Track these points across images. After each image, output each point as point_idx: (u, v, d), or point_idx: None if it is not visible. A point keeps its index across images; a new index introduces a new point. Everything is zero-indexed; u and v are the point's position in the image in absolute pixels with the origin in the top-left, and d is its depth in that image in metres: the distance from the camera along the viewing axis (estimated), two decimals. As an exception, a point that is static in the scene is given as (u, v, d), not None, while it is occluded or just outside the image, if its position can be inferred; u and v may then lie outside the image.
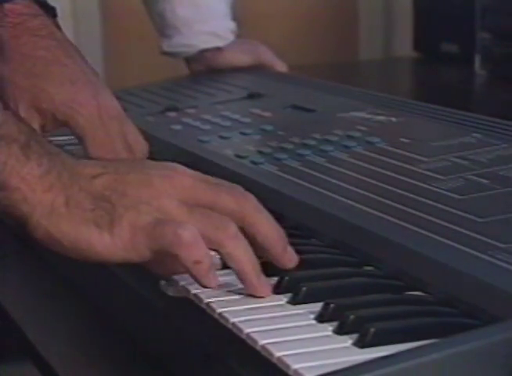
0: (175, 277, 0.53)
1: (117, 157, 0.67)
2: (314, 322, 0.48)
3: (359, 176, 0.66)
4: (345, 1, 2.02)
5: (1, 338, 0.70)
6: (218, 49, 1.09)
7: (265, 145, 0.76)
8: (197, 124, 0.86)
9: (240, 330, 0.48)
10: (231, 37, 1.10)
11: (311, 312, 0.49)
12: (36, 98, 0.68)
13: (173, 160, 0.67)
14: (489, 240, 0.52)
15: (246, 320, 0.48)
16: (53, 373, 0.57)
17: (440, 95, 1.16)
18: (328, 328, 0.47)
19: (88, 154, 0.67)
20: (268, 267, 0.53)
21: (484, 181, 0.61)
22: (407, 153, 0.69)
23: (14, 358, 0.72)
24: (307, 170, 0.69)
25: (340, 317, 0.47)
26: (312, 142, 0.74)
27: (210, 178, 0.54)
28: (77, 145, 0.70)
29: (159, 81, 1.11)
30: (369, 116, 0.80)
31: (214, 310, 0.50)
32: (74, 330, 0.63)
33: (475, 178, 0.62)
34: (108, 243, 0.50)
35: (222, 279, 0.52)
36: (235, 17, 1.13)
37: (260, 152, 0.74)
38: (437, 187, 0.61)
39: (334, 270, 0.54)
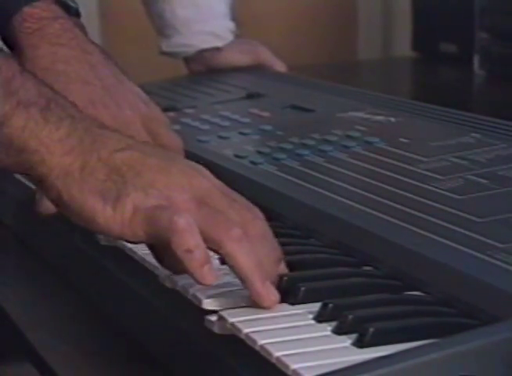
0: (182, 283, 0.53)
1: None
2: (313, 322, 0.48)
3: (358, 176, 0.66)
4: (344, 1, 2.02)
5: (0, 338, 0.70)
6: (217, 49, 1.09)
7: (264, 145, 0.76)
8: (196, 124, 0.86)
9: (239, 330, 0.48)
10: (230, 38, 1.10)
11: (310, 312, 0.49)
12: None
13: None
14: (488, 240, 0.52)
15: (245, 321, 0.48)
16: (52, 373, 0.57)
17: (439, 95, 1.16)
18: (327, 328, 0.47)
19: None
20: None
21: (484, 181, 0.61)
22: (406, 153, 0.69)
23: (13, 358, 0.72)
24: (306, 170, 0.69)
25: (339, 317, 0.47)
26: (311, 142, 0.74)
27: (229, 190, 0.53)
28: None
29: (158, 81, 1.11)
30: (368, 116, 0.80)
31: (200, 301, 0.50)
32: (73, 330, 0.63)
33: (474, 178, 0.62)
34: (108, 216, 0.50)
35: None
36: (234, 17, 1.12)
37: (259, 152, 0.74)
38: (436, 187, 0.61)
39: (333, 270, 0.54)
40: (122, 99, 0.70)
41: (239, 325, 0.48)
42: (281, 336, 0.46)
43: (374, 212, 0.59)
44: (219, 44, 1.09)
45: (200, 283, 0.49)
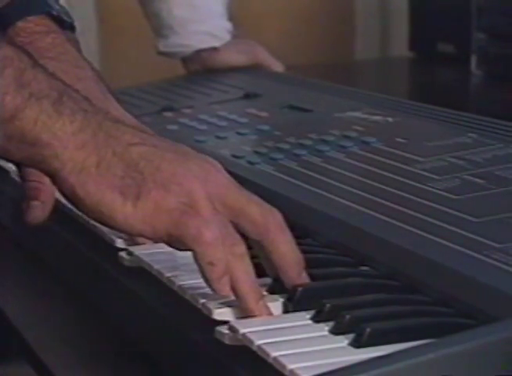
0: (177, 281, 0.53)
1: None
2: (310, 322, 0.48)
3: (355, 176, 0.66)
4: (341, 2, 2.02)
5: (-2, 338, 0.70)
6: (215, 49, 1.09)
7: (261, 145, 0.76)
8: (194, 124, 0.86)
9: (236, 330, 0.48)
10: (227, 38, 1.10)
11: (307, 313, 0.49)
12: None
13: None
14: (485, 240, 0.52)
15: (242, 321, 0.48)
16: (50, 374, 0.57)
17: (436, 95, 1.16)
18: (324, 328, 0.47)
19: None
20: (262, 268, 0.53)
21: (480, 181, 0.61)
22: (403, 153, 0.69)
23: (11, 359, 0.72)
24: (303, 170, 0.69)
25: (336, 317, 0.47)
26: (309, 142, 0.74)
27: (242, 187, 0.53)
28: None
29: (155, 81, 1.11)
30: (365, 116, 0.80)
31: (210, 311, 0.50)
32: (71, 331, 0.63)
33: (471, 178, 0.62)
34: (129, 213, 0.49)
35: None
36: (231, 17, 1.12)
37: (256, 152, 0.74)
38: (433, 187, 0.61)
39: (330, 270, 0.54)
40: (109, 104, 0.70)
41: (237, 325, 0.48)
42: (278, 336, 0.46)
43: (371, 212, 0.59)
44: (216, 44, 1.09)
45: (217, 294, 0.50)
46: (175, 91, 1.03)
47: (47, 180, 0.52)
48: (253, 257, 0.53)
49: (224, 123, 0.85)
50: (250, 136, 0.80)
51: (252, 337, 0.46)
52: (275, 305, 0.50)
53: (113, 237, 0.61)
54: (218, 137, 0.80)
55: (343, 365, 0.41)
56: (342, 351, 0.44)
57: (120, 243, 0.61)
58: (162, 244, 0.52)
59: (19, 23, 0.71)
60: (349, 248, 0.57)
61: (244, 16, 1.75)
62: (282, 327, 0.48)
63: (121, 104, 0.71)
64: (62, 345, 0.61)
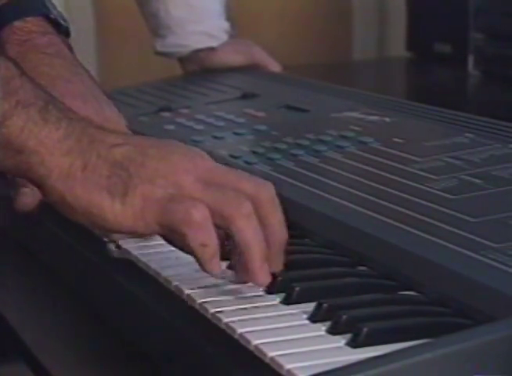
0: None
1: None
2: (307, 322, 0.48)
3: (353, 176, 0.66)
4: (339, 2, 2.02)
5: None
6: (212, 49, 1.09)
7: (258, 145, 0.76)
8: (191, 124, 0.86)
9: (233, 330, 0.48)
10: (225, 38, 1.10)
11: (304, 312, 0.49)
12: None
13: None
14: (482, 240, 0.52)
15: (239, 320, 0.49)
16: (47, 374, 0.57)
17: (433, 96, 1.16)
18: (321, 328, 0.47)
19: None
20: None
21: (477, 181, 0.61)
22: (400, 153, 0.69)
23: (8, 359, 0.72)
24: (300, 170, 0.69)
25: (333, 317, 0.47)
26: (306, 142, 0.74)
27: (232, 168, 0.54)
28: None
29: (152, 81, 1.11)
30: (362, 116, 0.80)
31: (207, 310, 0.50)
32: (68, 330, 0.63)
33: (468, 178, 0.62)
34: (118, 211, 0.50)
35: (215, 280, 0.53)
36: (229, 17, 1.12)
37: (253, 152, 0.74)
38: (430, 187, 0.61)
39: (327, 270, 0.54)
40: (102, 98, 0.70)
41: (234, 325, 0.48)
42: (275, 336, 0.46)
43: (368, 212, 0.59)
44: (214, 44, 1.09)
45: (209, 273, 0.50)
46: (173, 91, 1.03)
47: None
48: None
49: (221, 123, 0.85)
50: (247, 136, 0.80)
51: (249, 337, 0.46)
52: (272, 305, 0.50)
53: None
54: (216, 137, 0.80)
55: (340, 365, 0.41)
56: (339, 351, 0.44)
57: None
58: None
59: (17, 23, 0.71)
60: (346, 248, 0.57)
61: (242, 16, 1.75)
62: (279, 327, 0.48)
63: (115, 104, 0.72)
64: (59, 346, 0.61)
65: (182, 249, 0.52)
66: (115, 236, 0.58)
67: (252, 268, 0.50)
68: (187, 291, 0.53)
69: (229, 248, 0.51)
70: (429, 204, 0.58)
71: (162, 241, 0.54)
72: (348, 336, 0.45)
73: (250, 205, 0.50)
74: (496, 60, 1.27)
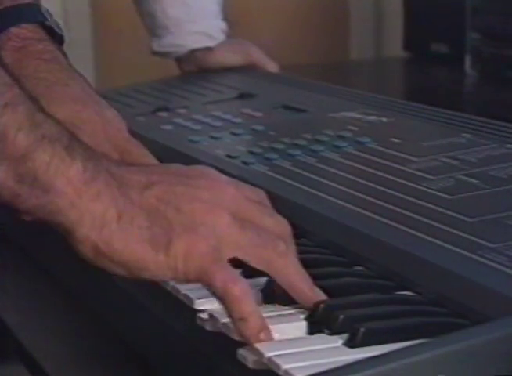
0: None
1: None
2: (304, 322, 0.48)
3: (350, 176, 0.66)
4: (336, 2, 2.02)
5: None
6: (209, 49, 1.09)
7: (255, 145, 0.76)
8: (188, 124, 0.86)
9: (230, 330, 0.48)
10: (222, 37, 1.10)
11: (302, 313, 0.49)
12: None
13: (161, 160, 0.67)
14: (479, 240, 0.52)
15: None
16: (43, 374, 0.57)
17: (430, 95, 1.16)
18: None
19: None
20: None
21: (474, 181, 0.61)
22: (397, 153, 0.69)
23: (5, 359, 0.72)
24: (297, 170, 0.69)
25: (331, 317, 0.47)
26: (303, 143, 0.74)
27: (244, 186, 0.53)
28: None
29: (150, 81, 1.11)
30: (359, 116, 0.80)
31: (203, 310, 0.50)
32: (65, 331, 0.63)
33: (465, 178, 0.62)
34: (162, 262, 0.48)
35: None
36: (226, 17, 1.12)
37: (251, 152, 0.74)
38: (427, 187, 0.61)
39: (324, 270, 0.54)
40: (101, 101, 0.71)
41: (231, 325, 0.48)
42: (272, 336, 0.46)
43: (365, 212, 0.59)
44: (211, 44, 1.09)
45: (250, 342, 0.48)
46: (170, 91, 1.03)
47: None
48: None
49: (218, 123, 0.85)
50: (244, 136, 0.80)
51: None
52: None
53: None
54: (213, 137, 0.80)
55: (337, 365, 0.41)
56: (336, 351, 0.44)
57: None
58: None
59: (12, 29, 0.71)
60: (343, 248, 0.57)
61: (239, 15, 1.75)
62: (276, 328, 0.48)
63: (113, 107, 0.72)
64: (56, 346, 0.61)
65: None
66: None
67: (304, 300, 0.49)
68: (184, 291, 0.53)
69: None
70: (426, 203, 0.59)
71: None
72: (345, 336, 0.45)
73: (283, 243, 0.50)
74: (493, 60, 1.27)
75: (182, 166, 0.53)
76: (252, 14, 1.94)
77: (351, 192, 0.63)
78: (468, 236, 0.53)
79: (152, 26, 1.09)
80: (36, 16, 0.73)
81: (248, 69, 1.08)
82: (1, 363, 0.74)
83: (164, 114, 0.92)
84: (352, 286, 0.52)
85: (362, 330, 0.45)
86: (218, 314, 0.48)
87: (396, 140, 0.72)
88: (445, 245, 0.52)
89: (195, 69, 1.10)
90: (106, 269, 0.49)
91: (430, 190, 0.61)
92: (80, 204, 0.48)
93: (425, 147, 0.70)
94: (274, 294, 0.51)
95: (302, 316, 0.49)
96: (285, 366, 0.43)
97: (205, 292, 0.50)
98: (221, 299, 0.48)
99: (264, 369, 0.45)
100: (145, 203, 0.49)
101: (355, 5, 2.01)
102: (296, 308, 0.50)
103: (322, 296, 0.50)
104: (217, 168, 0.71)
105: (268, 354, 0.44)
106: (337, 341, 0.45)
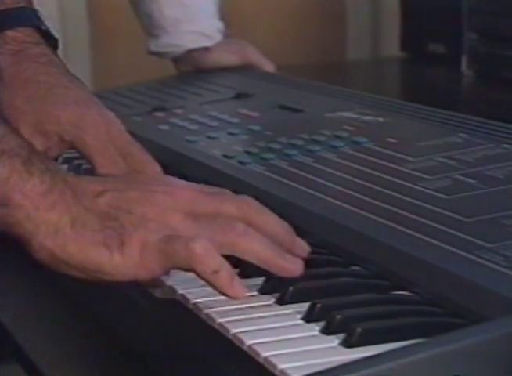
0: (162, 278, 0.53)
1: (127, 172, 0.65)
2: (301, 322, 0.48)
3: (346, 176, 0.66)
4: (333, 2, 2.02)
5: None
6: (206, 49, 1.09)
7: (252, 145, 0.76)
8: (185, 124, 0.86)
9: (227, 330, 0.48)
10: (219, 37, 1.10)
11: (298, 312, 0.49)
12: (40, 121, 0.67)
13: (158, 160, 0.68)
14: (476, 240, 0.52)
15: (232, 321, 0.48)
16: (40, 374, 0.57)
17: (427, 96, 1.16)
18: (315, 328, 0.47)
19: (98, 173, 0.66)
20: (253, 268, 0.53)
21: (471, 181, 0.61)
22: (394, 153, 0.69)
23: (2, 361, 0.72)
24: (294, 170, 0.69)
25: (327, 317, 0.47)
26: (300, 142, 0.74)
27: (210, 188, 0.54)
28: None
29: (146, 81, 1.11)
30: (356, 116, 0.80)
31: (200, 310, 0.50)
32: (62, 331, 0.63)
33: (462, 178, 0.62)
34: (118, 263, 0.49)
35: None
36: (222, 17, 1.12)
37: (247, 152, 0.74)
38: (423, 187, 0.61)
39: (321, 270, 0.54)
40: (100, 103, 0.71)
41: (228, 325, 0.48)
42: (269, 336, 0.46)
43: (362, 212, 0.59)
44: (208, 44, 1.09)
45: (234, 298, 0.50)
46: (166, 91, 1.03)
47: None
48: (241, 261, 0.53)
49: (215, 123, 0.85)
50: (241, 136, 0.80)
51: (243, 337, 0.46)
52: (266, 305, 0.50)
53: None
54: (209, 137, 0.80)
55: (333, 365, 0.41)
56: (333, 351, 0.44)
57: None
58: None
59: (9, 32, 0.71)
60: (340, 248, 0.57)
61: (236, 15, 1.75)
62: (272, 327, 0.48)
63: (109, 107, 0.72)
64: (52, 346, 0.61)
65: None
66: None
67: (278, 269, 0.50)
68: (181, 291, 0.52)
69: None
70: (422, 203, 0.59)
71: None
72: (342, 336, 0.45)
73: (242, 223, 0.51)
74: (490, 60, 1.27)
75: (147, 175, 0.54)
76: (249, 14, 1.94)
77: (348, 192, 0.63)
78: (465, 236, 0.53)
79: (148, 26, 1.09)
80: (33, 20, 0.73)
81: (245, 69, 1.08)
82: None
83: (160, 114, 0.92)
84: (349, 286, 0.52)
85: (358, 330, 0.45)
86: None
87: (393, 140, 0.72)
88: (442, 245, 0.52)
89: (192, 69, 1.10)
90: (65, 273, 0.51)
91: (426, 190, 0.61)
92: (36, 215, 0.50)
93: (422, 147, 0.70)
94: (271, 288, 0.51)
95: (299, 316, 0.49)
96: (281, 366, 0.43)
97: (203, 292, 0.50)
98: (190, 265, 0.49)
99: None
100: (97, 209, 0.50)
101: (352, 5, 2.01)
102: (293, 308, 0.50)
103: (297, 262, 0.51)
104: (213, 168, 0.72)
105: (265, 354, 0.44)
106: (334, 340, 0.45)
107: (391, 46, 1.63)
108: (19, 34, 0.71)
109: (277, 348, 0.45)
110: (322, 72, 1.44)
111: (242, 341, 0.46)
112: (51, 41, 0.74)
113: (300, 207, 0.62)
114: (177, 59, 1.11)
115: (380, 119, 0.79)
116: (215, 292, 0.51)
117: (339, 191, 0.63)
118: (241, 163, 0.72)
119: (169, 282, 0.54)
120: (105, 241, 0.49)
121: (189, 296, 0.52)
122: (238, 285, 0.50)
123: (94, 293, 0.63)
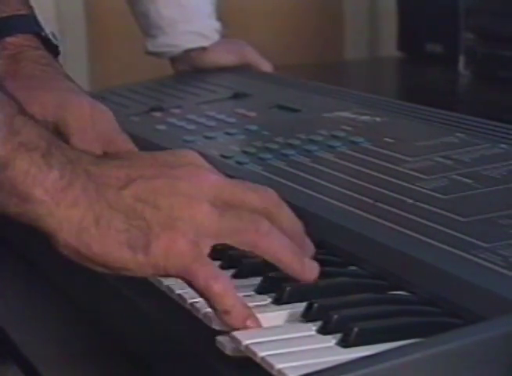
0: (159, 278, 0.53)
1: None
2: (298, 322, 0.48)
3: (344, 176, 0.66)
4: (331, 1, 2.02)
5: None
6: (203, 49, 1.09)
7: (249, 145, 0.76)
8: (182, 124, 0.86)
9: (224, 330, 0.48)
10: (216, 37, 1.10)
11: (296, 312, 0.49)
12: (27, 103, 0.67)
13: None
14: (472, 240, 0.52)
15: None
16: (37, 375, 0.57)
17: (424, 95, 1.16)
18: (312, 328, 0.47)
19: None
20: (249, 269, 0.53)
21: (468, 180, 0.61)
22: (391, 153, 0.69)
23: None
24: (291, 170, 0.69)
25: (324, 317, 0.47)
26: (297, 142, 0.74)
27: (228, 178, 0.53)
28: None
29: (144, 81, 1.11)
30: (353, 116, 0.80)
31: (198, 311, 0.50)
32: (59, 331, 0.63)
33: (458, 177, 0.62)
34: (141, 262, 0.49)
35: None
36: (220, 17, 1.12)
37: (245, 152, 0.74)
38: (420, 187, 0.61)
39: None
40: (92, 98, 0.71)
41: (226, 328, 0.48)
42: (266, 336, 0.46)
43: (359, 212, 0.59)
44: (205, 44, 1.09)
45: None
46: (164, 91, 1.03)
47: None
48: (245, 256, 0.53)
49: (212, 123, 0.85)
50: (238, 136, 0.80)
51: (240, 337, 0.46)
52: (263, 306, 0.50)
53: None
54: (207, 137, 0.80)
55: (330, 365, 0.41)
56: (330, 350, 0.44)
57: None
58: None
59: (8, 39, 0.72)
60: (337, 248, 0.57)
61: (233, 15, 1.75)
62: (269, 327, 0.48)
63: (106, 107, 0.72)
64: (49, 346, 0.61)
65: None
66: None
67: (296, 273, 0.50)
68: (178, 291, 0.52)
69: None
70: (419, 203, 0.59)
71: None
72: (339, 336, 0.45)
73: (266, 221, 0.50)
74: (487, 60, 1.27)
75: (167, 153, 0.53)
76: (246, 14, 1.94)
77: (346, 192, 0.63)
78: (462, 236, 0.53)
79: (146, 26, 1.09)
80: (32, 27, 0.73)
81: (242, 69, 1.08)
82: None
83: (158, 114, 0.92)
84: (346, 286, 0.52)
85: (355, 329, 0.45)
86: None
87: (390, 140, 0.72)
88: (439, 245, 0.52)
89: (189, 69, 1.10)
90: (90, 268, 0.50)
91: (423, 190, 0.61)
92: (57, 211, 0.49)
93: (419, 147, 0.70)
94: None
95: (296, 316, 0.49)
96: (278, 366, 0.43)
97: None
98: (204, 296, 0.49)
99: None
100: (122, 204, 0.49)
101: (349, 5, 2.01)
102: (290, 308, 0.50)
103: (315, 268, 0.51)
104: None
105: (262, 354, 0.44)
106: (331, 340, 0.45)
107: (389, 46, 1.63)
108: (18, 40, 0.72)
109: (274, 348, 0.45)
110: (320, 72, 1.44)
111: (239, 342, 0.46)
112: (51, 48, 0.74)
113: (297, 207, 0.62)
114: (174, 59, 1.11)
115: (378, 119, 0.79)
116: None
117: (336, 191, 0.63)
118: (238, 163, 0.72)
119: (166, 282, 0.54)
120: (129, 242, 0.49)
121: (186, 296, 0.52)
122: (251, 324, 0.48)
123: (93, 295, 0.63)
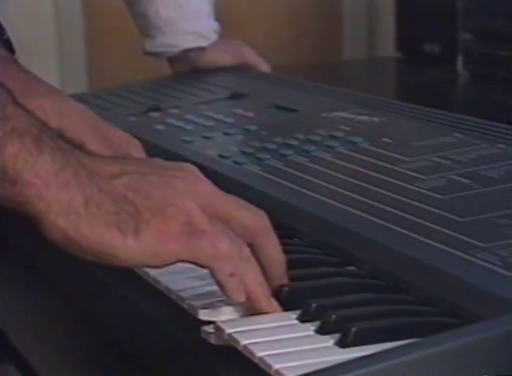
0: (146, 271, 0.53)
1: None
2: (296, 322, 0.48)
3: (342, 176, 0.66)
4: (329, 2, 2.02)
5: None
6: (201, 49, 1.09)
7: (247, 145, 0.76)
8: (180, 124, 0.86)
9: (222, 330, 0.48)
10: (214, 37, 1.10)
11: (294, 313, 0.49)
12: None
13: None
14: (470, 240, 0.52)
15: (227, 321, 0.48)
16: (35, 375, 0.57)
17: (422, 95, 1.16)
18: (310, 328, 0.47)
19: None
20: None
21: (466, 181, 0.61)
22: (389, 153, 0.69)
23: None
24: (289, 170, 0.69)
25: (322, 317, 0.47)
26: (295, 142, 0.74)
27: (225, 192, 0.53)
28: None
29: (142, 81, 1.11)
30: (351, 116, 0.80)
31: (196, 311, 0.50)
32: (57, 331, 0.63)
33: (456, 177, 0.62)
34: (132, 248, 0.48)
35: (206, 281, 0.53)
36: (218, 17, 1.13)
37: (243, 152, 0.74)
38: (418, 187, 0.61)
39: (316, 270, 0.54)
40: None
41: (223, 326, 0.48)
42: (264, 336, 0.46)
43: (357, 212, 0.59)
44: (203, 44, 1.09)
45: (234, 301, 0.50)
46: (162, 91, 1.03)
47: None
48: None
49: (210, 123, 0.85)
50: (236, 136, 0.80)
51: (238, 337, 0.46)
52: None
53: None
54: (205, 137, 0.80)
55: (328, 365, 0.41)
56: (328, 351, 0.44)
57: None
58: None
59: None
60: (335, 248, 0.57)
61: (231, 15, 1.75)
62: (267, 327, 0.48)
63: (104, 107, 0.73)
64: (49, 347, 0.61)
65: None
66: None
67: (259, 307, 0.50)
68: (175, 291, 0.52)
69: None
70: (417, 203, 0.59)
71: None
72: (337, 336, 0.45)
73: (248, 248, 0.50)
74: (485, 60, 1.27)
75: (164, 161, 0.53)
76: (244, 14, 1.94)
77: (343, 192, 0.63)
78: (459, 236, 0.53)
79: (144, 26, 1.09)
80: None
81: (240, 69, 1.08)
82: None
83: (156, 114, 0.92)
84: (344, 286, 0.52)
85: (353, 329, 0.45)
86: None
87: (388, 140, 0.72)
88: (437, 245, 0.52)
89: (187, 69, 1.10)
90: (76, 255, 0.49)
91: (421, 190, 0.61)
92: (47, 194, 0.49)
93: (417, 147, 0.70)
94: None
95: (294, 316, 0.49)
96: (276, 366, 0.43)
97: (199, 293, 0.50)
98: (211, 263, 0.48)
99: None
100: (112, 190, 0.49)
101: (347, 5, 2.01)
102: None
103: (278, 309, 0.50)
104: (209, 168, 0.72)
105: (260, 354, 0.44)
106: (329, 340, 0.45)
107: (387, 46, 1.63)
108: None
109: (272, 348, 0.45)
110: (318, 72, 1.44)
111: (237, 342, 0.46)
112: (12, 50, 0.74)
113: (295, 207, 0.62)
114: (172, 59, 1.11)
115: (376, 119, 0.79)
116: (208, 292, 0.51)
117: (334, 191, 0.63)
118: (236, 163, 0.72)
119: (164, 282, 0.54)
120: (119, 224, 0.48)
121: (184, 296, 0.52)
122: (242, 291, 0.49)
123: (91, 295, 0.63)
